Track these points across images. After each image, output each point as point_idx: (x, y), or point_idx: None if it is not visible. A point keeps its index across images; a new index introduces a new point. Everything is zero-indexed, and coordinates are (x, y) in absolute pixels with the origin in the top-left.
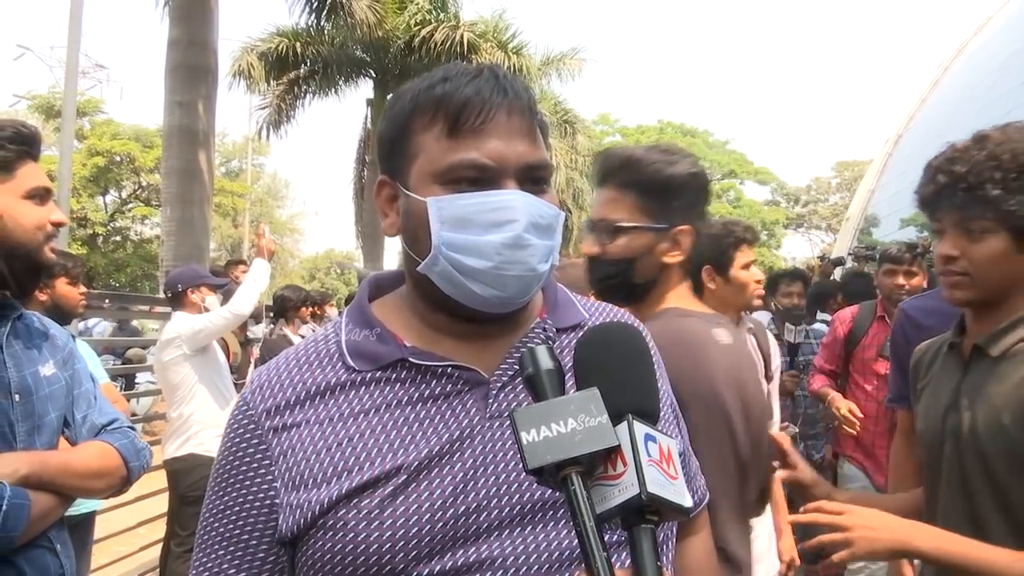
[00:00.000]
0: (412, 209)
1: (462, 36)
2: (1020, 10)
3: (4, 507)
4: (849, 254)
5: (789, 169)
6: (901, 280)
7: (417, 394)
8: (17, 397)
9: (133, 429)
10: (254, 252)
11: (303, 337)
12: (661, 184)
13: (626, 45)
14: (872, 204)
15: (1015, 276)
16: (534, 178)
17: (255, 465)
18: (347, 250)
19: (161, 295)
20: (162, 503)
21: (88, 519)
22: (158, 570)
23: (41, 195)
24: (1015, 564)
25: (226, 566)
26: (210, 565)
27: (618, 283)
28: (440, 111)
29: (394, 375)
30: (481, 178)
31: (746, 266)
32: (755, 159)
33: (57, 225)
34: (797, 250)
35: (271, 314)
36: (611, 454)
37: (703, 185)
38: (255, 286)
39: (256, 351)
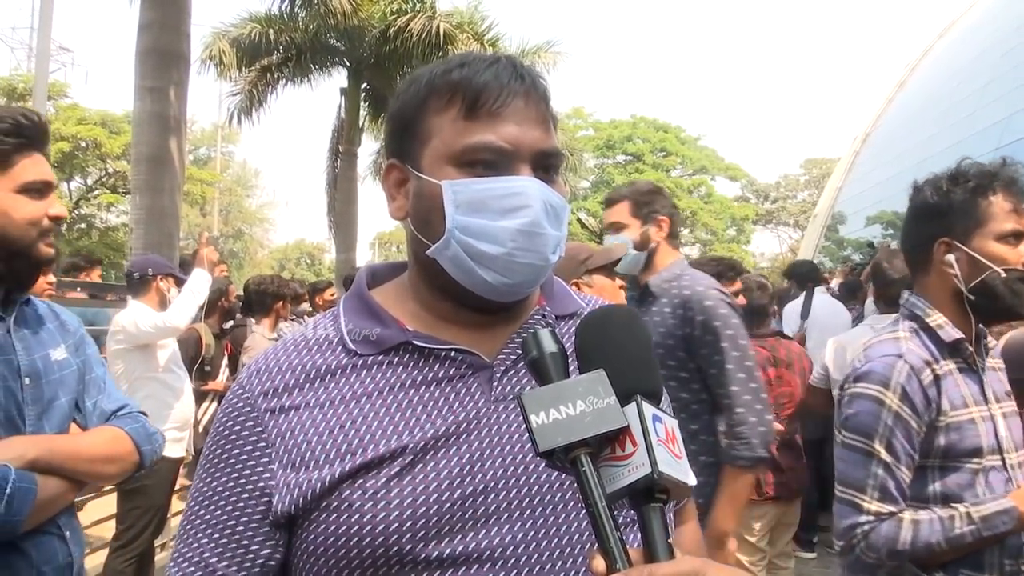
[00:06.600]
0: (425, 192)
1: (438, 26)
2: (984, 14)
3: (8, 491)
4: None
5: (759, 166)
6: None
7: (420, 377)
8: (27, 380)
9: (144, 415)
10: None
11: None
12: None
13: (600, 40)
14: (839, 202)
15: None
16: (546, 166)
17: (249, 448)
18: (318, 240)
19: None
20: None
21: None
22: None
23: (40, 188)
24: None
25: (207, 554)
26: (190, 555)
27: None
28: (458, 94)
29: (396, 358)
30: (496, 161)
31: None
32: (726, 155)
33: (55, 219)
34: (766, 246)
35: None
36: (618, 435)
37: None
38: (193, 299)
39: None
